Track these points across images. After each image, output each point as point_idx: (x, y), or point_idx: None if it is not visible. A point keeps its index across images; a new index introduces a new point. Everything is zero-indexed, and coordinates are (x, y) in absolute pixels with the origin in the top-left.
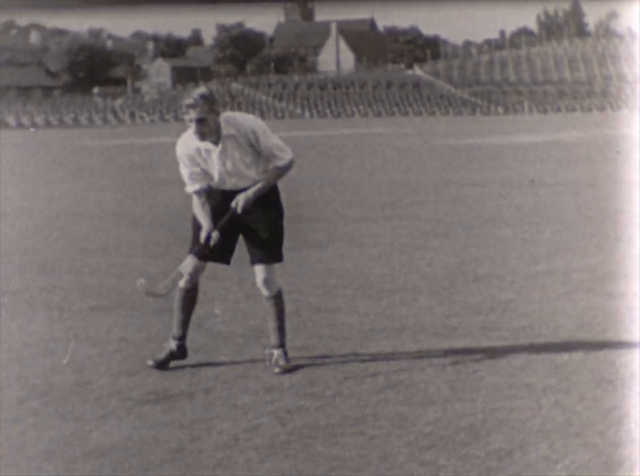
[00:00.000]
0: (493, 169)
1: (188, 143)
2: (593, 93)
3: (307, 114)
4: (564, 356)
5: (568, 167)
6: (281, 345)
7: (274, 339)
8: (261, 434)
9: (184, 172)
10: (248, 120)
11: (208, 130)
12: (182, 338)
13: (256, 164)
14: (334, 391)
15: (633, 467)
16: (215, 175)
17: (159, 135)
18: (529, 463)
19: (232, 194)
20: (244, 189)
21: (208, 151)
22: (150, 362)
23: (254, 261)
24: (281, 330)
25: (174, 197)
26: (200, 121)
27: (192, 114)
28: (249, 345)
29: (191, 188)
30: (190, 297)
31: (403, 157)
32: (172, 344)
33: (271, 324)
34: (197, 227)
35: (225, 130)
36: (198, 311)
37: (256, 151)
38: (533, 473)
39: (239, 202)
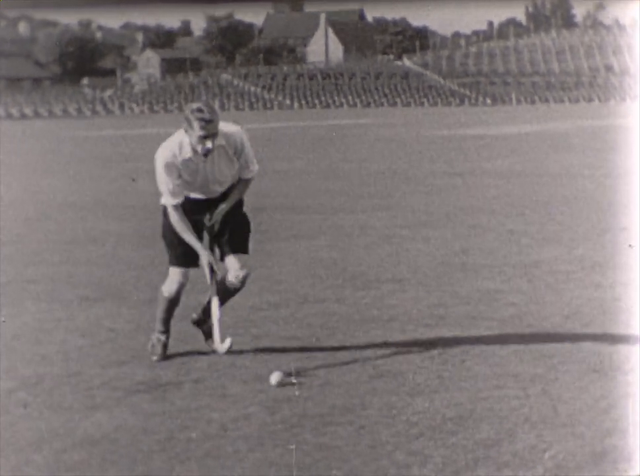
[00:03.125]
0: (481, 160)
1: (174, 153)
2: (581, 84)
3: (296, 104)
4: (552, 346)
5: (556, 158)
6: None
7: (200, 315)
8: (250, 424)
9: (166, 183)
10: (236, 131)
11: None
12: (168, 331)
13: (235, 171)
14: (322, 381)
15: (617, 458)
16: (197, 184)
17: (149, 126)
18: (517, 452)
19: (203, 201)
20: (219, 196)
21: (196, 162)
22: (155, 357)
23: (228, 252)
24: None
25: None
26: (215, 136)
27: (210, 129)
28: (238, 335)
29: (172, 201)
30: (176, 303)
31: (392, 148)
32: (162, 337)
33: (215, 305)
34: (172, 237)
35: (216, 141)
36: (186, 301)
37: (237, 159)
38: (520, 461)
39: (215, 220)
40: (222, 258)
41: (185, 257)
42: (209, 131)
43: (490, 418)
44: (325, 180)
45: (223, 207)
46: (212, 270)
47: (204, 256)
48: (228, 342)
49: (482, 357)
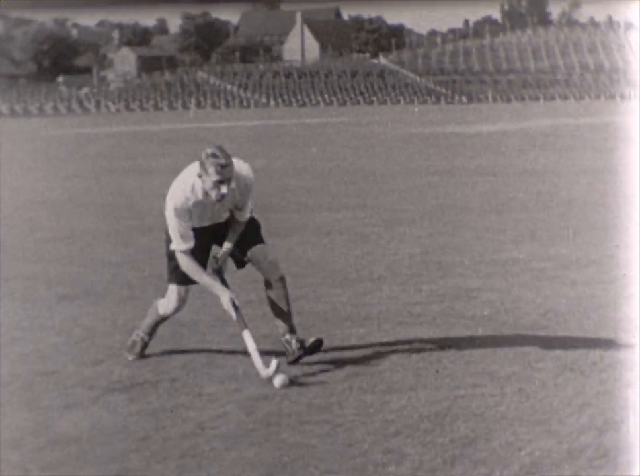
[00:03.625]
0: (457, 158)
1: (187, 196)
2: (556, 82)
3: (272, 103)
4: (527, 344)
5: (532, 156)
6: (295, 330)
7: (287, 325)
8: (227, 423)
9: (177, 228)
10: (247, 173)
11: None
12: (153, 334)
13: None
14: (299, 379)
15: (593, 456)
16: (205, 219)
17: (125, 124)
18: (493, 450)
19: (208, 227)
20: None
21: (207, 203)
22: (131, 357)
23: (251, 244)
24: (291, 313)
25: (139, 186)
26: (230, 181)
27: (226, 174)
28: (214, 334)
29: (183, 246)
30: (169, 318)
31: (368, 146)
32: (146, 337)
33: (282, 308)
34: (169, 257)
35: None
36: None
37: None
38: (496, 459)
39: (222, 260)
40: (243, 256)
41: (184, 274)
42: (225, 176)
43: (466, 416)
44: (301, 178)
45: (228, 247)
46: (235, 307)
47: (225, 296)
48: (274, 364)
49: (459, 356)
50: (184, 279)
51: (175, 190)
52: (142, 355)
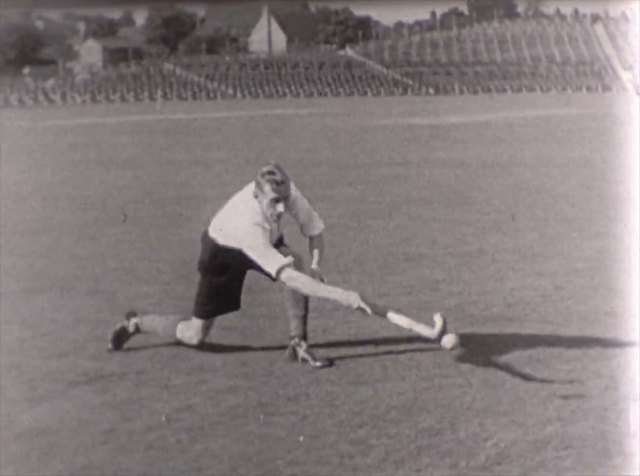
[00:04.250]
0: (425, 150)
1: (255, 216)
2: (523, 74)
3: (239, 94)
4: (493, 335)
5: (499, 148)
6: (307, 336)
7: (300, 329)
8: (193, 415)
9: (267, 245)
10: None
11: None
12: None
13: None
14: (265, 371)
15: (558, 446)
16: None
17: (91, 115)
18: (459, 441)
19: None
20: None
21: (265, 226)
22: (110, 346)
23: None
24: (306, 318)
25: (106, 178)
26: (287, 199)
27: (282, 191)
28: None
29: (287, 260)
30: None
31: (335, 138)
32: (131, 327)
33: (300, 312)
34: (201, 287)
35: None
36: (127, 291)
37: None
38: (462, 450)
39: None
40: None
41: (210, 306)
42: (282, 193)
43: (433, 407)
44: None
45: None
46: (367, 304)
47: (353, 295)
48: (439, 321)
49: (425, 347)
50: (210, 312)
51: (240, 211)
52: (121, 346)
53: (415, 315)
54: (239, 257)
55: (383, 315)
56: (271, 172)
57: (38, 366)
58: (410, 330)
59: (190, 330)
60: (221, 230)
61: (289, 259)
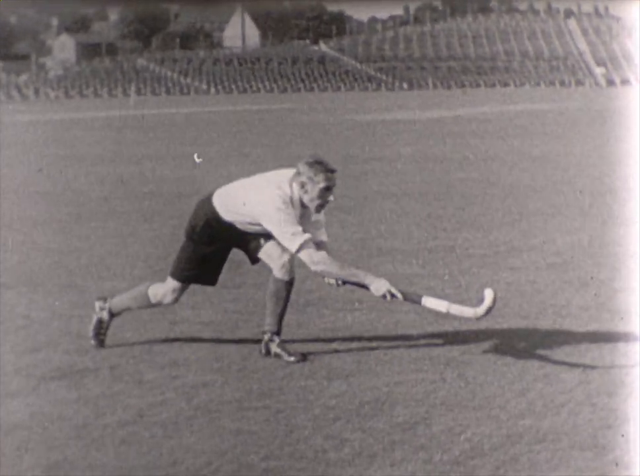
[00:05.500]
0: (398, 145)
1: (285, 198)
2: (496, 69)
3: (212, 89)
4: (467, 329)
5: (473, 142)
6: (280, 332)
7: (274, 325)
8: (167, 410)
9: (290, 220)
10: None
11: None
12: (117, 314)
13: None
14: (239, 366)
15: (531, 440)
16: None
17: (64, 111)
18: (433, 435)
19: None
20: None
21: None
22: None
23: (260, 245)
24: (283, 316)
25: (79, 174)
26: (332, 189)
27: (333, 180)
28: (155, 321)
29: (306, 235)
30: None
31: (308, 133)
32: (105, 314)
33: (279, 309)
34: (183, 251)
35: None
36: (100, 286)
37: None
38: (436, 444)
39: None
40: (255, 260)
41: (188, 272)
42: (333, 182)
43: (406, 401)
44: (240, 165)
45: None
46: (397, 290)
47: (382, 282)
48: (489, 296)
49: (398, 341)
50: (187, 278)
51: (266, 191)
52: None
53: (390, 310)
54: (232, 233)
55: (416, 302)
56: (320, 162)
57: (10, 361)
58: (448, 313)
59: (163, 289)
60: (230, 203)
61: (309, 235)
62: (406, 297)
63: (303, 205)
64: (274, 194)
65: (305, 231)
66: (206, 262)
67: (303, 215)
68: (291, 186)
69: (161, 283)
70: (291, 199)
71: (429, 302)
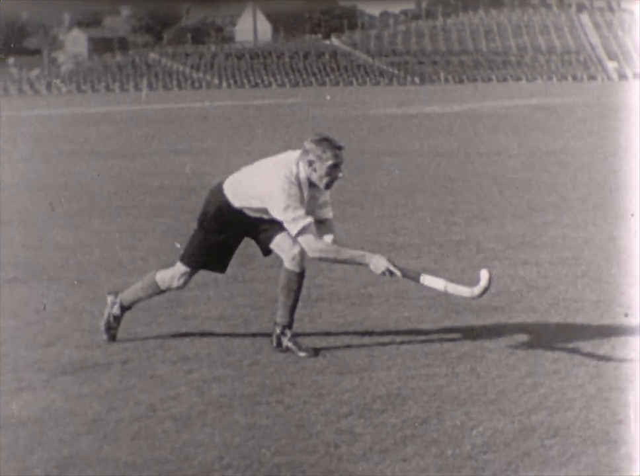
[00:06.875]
0: (410, 139)
1: (291, 178)
2: (508, 63)
3: (224, 84)
4: (479, 324)
5: (484, 137)
6: (292, 325)
7: (286, 318)
8: (179, 404)
9: (294, 202)
10: None
11: None
12: (129, 307)
13: None
14: (251, 361)
15: (543, 435)
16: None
17: (76, 105)
18: (445, 430)
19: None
20: None
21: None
22: (105, 336)
23: (278, 231)
24: (295, 308)
25: (91, 168)
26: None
27: (341, 157)
28: (166, 315)
29: (309, 219)
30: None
31: (320, 127)
32: (117, 308)
33: (290, 301)
34: (194, 238)
35: None
36: (112, 281)
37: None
38: (448, 439)
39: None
40: (266, 251)
41: (198, 258)
42: (341, 159)
43: (418, 396)
44: (251, 159)
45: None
46: (395, 267)
47: (381, 258)
48: (484, 277)
49: (411, 336)
50: (197, 263)
51: (273, 172)
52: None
53: (402, 304)
54: (243, 220)
55: (415, 279)
56: (327, 139)
57: (22, 356)
58: (446, 292)
59: (171, 272)
60: (239, 189)
61: (310, 219)
62: (405, 274)
63: (311, 184)
64: (281, 174)
65: (309, 212)
66: (216, 250)
67: (313, 196)
68: (298, 165)
69: (168, 268)
70: (299, 178)
71: (427, 280)
